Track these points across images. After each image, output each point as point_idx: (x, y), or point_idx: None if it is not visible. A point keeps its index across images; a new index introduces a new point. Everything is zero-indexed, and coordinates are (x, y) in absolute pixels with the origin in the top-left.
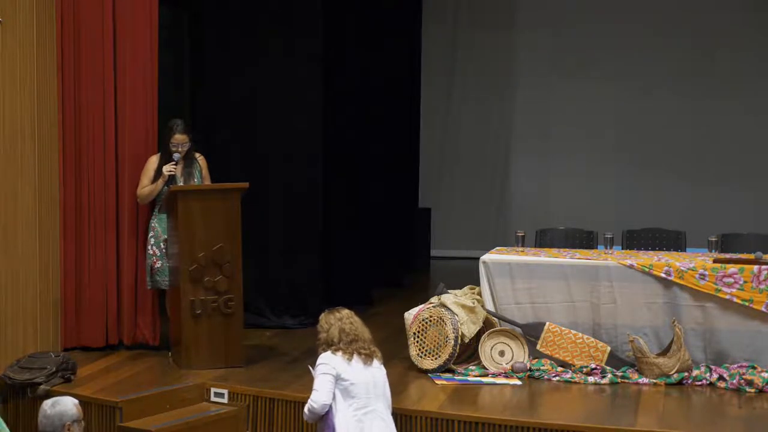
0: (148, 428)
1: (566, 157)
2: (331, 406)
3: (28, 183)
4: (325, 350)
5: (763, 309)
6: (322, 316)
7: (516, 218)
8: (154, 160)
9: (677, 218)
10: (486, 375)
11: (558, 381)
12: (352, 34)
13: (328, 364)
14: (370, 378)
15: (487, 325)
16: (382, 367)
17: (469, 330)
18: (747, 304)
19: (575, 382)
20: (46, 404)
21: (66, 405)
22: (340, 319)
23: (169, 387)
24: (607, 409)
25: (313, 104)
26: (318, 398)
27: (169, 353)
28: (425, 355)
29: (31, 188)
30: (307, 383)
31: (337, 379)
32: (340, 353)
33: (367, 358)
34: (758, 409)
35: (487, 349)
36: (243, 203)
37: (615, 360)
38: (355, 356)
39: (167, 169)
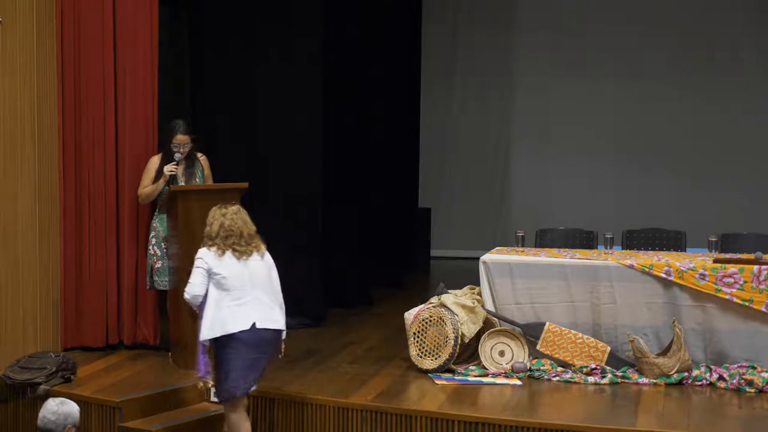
0: (148, 428)
1: (566, 157)
2: (205, 296)
3: (28, 183)
4: (205, 244)
5: (763, 309)
6: (211, 211)
7: (516, 218)
8: (155, 161)
9: (677, 218)
10: (486, 375)
11: (558, 381)
12: (352, 34)
13: (202, 259)
14: (245, 271)
15: (487, 325)
16: (266, 259)
17: (469, 330)
18: (747, 304)
19: (575, 382)
20: (53, 402)
21: (73, 407)
22: (224, 215)
23: (169, 387)
24: (607, 409)
25: (313, 104)
26: (189, 290)
27: (169, 353)
28: (425, 355)
29: (31, 188)
30: (307, 383)
31: (210, 272)
32: (214, 248)
33: (242, 254)
34: (758, 409)
35: (487, 349)
36: (243, 203)
37: (615, 360)
38: (229, 252)
39: (168, 169)
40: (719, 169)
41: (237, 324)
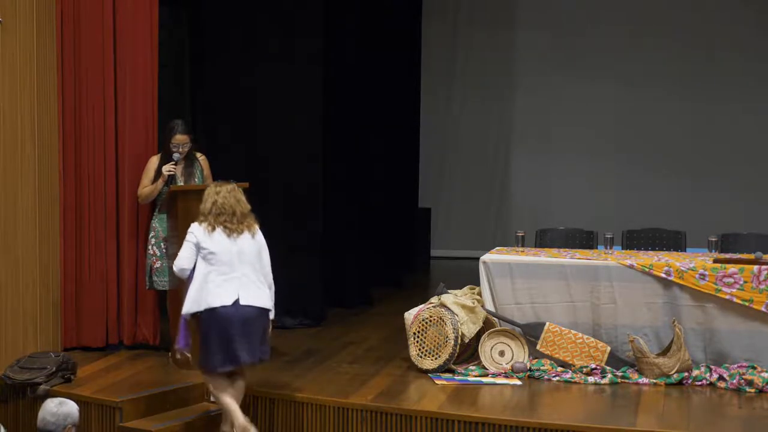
0: (148, 428)
1: (566, 157)
2: (193, 269)
3: (28, 183)
4: (197, 219)
5: (763, 309)
6: (207, 188)
7: (516, 218)
8: (154, 161)
9: (677, 218)
10: (486, 375)
11: (558, 381)
12: (352, 34)
13: (192, 233)
14: (234, 249)
15: (487, 325)
16: (257, 239)
17: (469, 330)
18: (747, 304)
19: (575, 382)
20: (52, 403)
21: (72, 407)
22: (218, 193)
23: (169, 387)
24: (607, 409)
25: (313, 104)
26: (177, 263)
27: (169, 353)
28: (425, 355)
29: (31, 188)
30: (307, 383)
31: (198, 247)
32: (205, 224)
33: (232, 231)
34: (758, 409)
35: (487, 349)
36: None
37: (615, 360)
38: (219, 228)
39: (167, 169)
40: (719, 169)
41: (221, 299)
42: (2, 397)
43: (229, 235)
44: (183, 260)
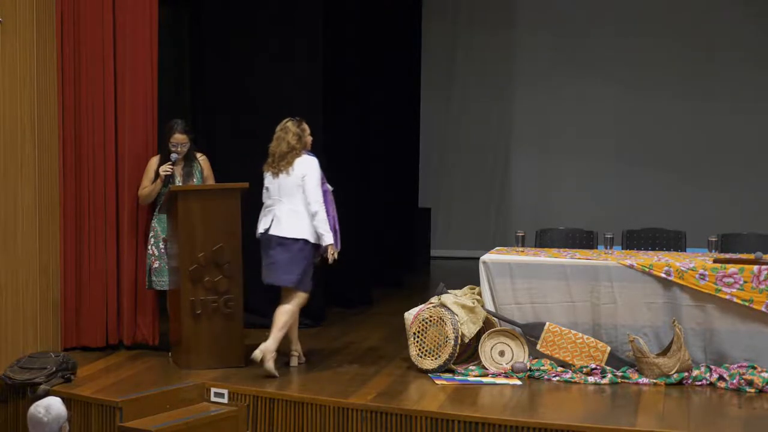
0: (148, 428)
1: (566, 157)
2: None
3: (28, 183)
4: None
5: (763, 309)
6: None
7: (516, 218)
8: (154, 161)
9: (677, 218)
10: (486, 375)
11: (558, 381)
12: (352, 34)
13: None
14: (275, 185)
15: (487, 325)
16: (293, 174)
17: (469, 330)
18: (747, 304)
19: (575, 382)
20: (38, 412)
21: (58, 408)
22: (274, 139)
23: (169, 387)
24: (607, 409)
25: (313, 104)
26: (263, 198)
27: (169, 353)
28: (425, 355)
29: (31, 188)
30: (306, 383)
31: (264, 185)
32: (266, 166)
33: (274, 171)
34: (758, 410)
35: (487, 349)
36: (243, 203)
37: (615, 360)
38: (270, 170)
39: (163, 169)
40: (719, 169)
41: (261, 227)
42: (2, 397)
43: (273, 174)
44: (263, 195)
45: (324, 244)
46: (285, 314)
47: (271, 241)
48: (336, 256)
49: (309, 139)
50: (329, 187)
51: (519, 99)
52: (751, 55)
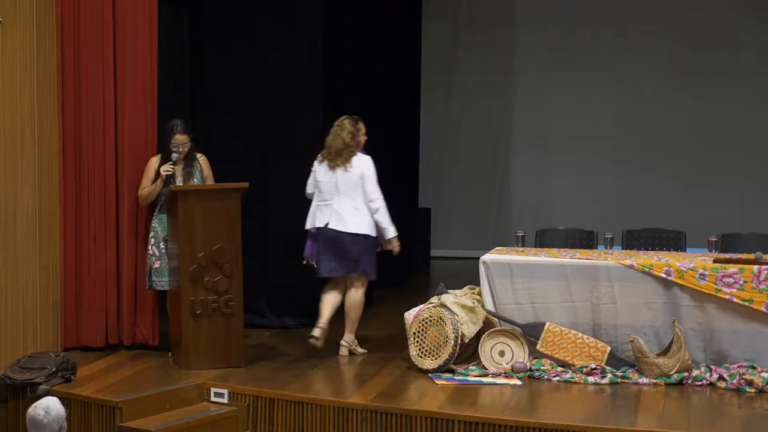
0: (148, 428)
1: (566, 157)
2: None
3: (28, 183)
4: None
5: (763, 309)
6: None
7: (516, 218)
8: (154, 161)
9: (677, 218)
10: (486, 375)
11: (558, 381)
12: (352, 34)
13: (313, 166)
14: (332, 180)
15: (487, 325)
16: (352, 171)
17: (469, 330)
18: (747, 304)
19: (575, 382)
20: (38, 414)
21: (58, 408)
22: (330, 132)
23: (169, 387)
24: (607, 409)
25: (313, 104)
26: (307, 189)
27: (169, 353)
28: (425, 355)
29: (31, 188)
30: (306, 383)
31: (314, 176)
32: (320, 157)
33: (331, 165)
34: (758, 409)
35: (487, 349)
36: (243, 203)
37: (615, 360)
38: (325, 162)
39: (164, 169)
40: (719, 169)
41: (319, 221)
42: (2, 397)
43: (330, 168)
44: (307, 187)
45: (387, 237)
46: (358, 307)
47: (334, 235)
48: (398, 247)
49: (363, 138)
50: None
51: (519, 99)
52: (751, 55)
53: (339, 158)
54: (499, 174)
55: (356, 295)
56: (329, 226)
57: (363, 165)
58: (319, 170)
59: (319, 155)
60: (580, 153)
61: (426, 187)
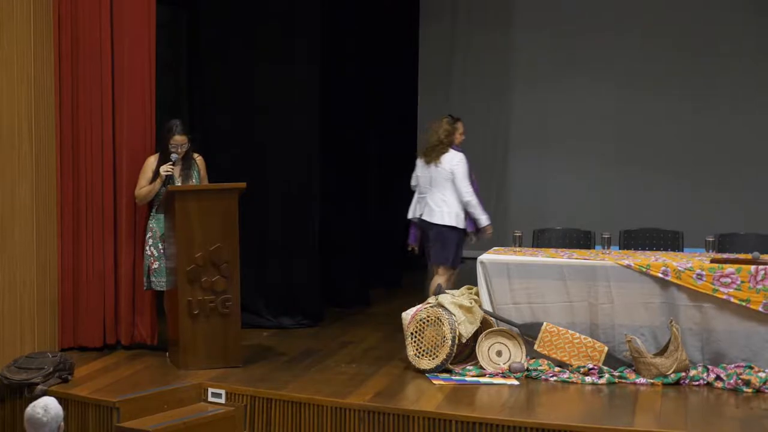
0: (145, 428)
1: (564, 157)
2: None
3: (26, 183)
4: None
5: (760, 309)
6: None
7: (513, 218)
8: (152, 161)
9: (675, 218)
10: (483, 375)
11: (555, 381)
12: (351, 35)
13: (416, 161)
14: (428, 175)
15: (484, 325)
16: (441, 167)
17: (467, 330)
18: (744, 304)
19: (572, 382)
20: (37, 413)
21: (56, 407)
22: (429, 129)
23: (166, 387)
24: (604, 409)
25: (312, 104)
26: (411, 182)
27: (167, 353)
28: (422, 355)
29: (28, 188)
30: (305, 383)
31: (415, 171)
32: (420, 152)
33: (426, 160)
34: (755, 409)
35: (485, 349)
36: (241, 203)
37: (612, 360)
38: (423, 157)
39: (164, 169)
40: (717, 169)
41: (415, 212)
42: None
43: (425, 163)
44: (412, 180)
45: (481, 225)
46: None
47: (427, 226)
48: (491, 233)
49: (460, 137)
50: (474, 179)
51: (517, 99)
52: (751, 55)
53: (433, 153)
54: (497, 174)
55: (438, 280)
56: (423, 218)
57: (454, 162)
58: (419, 165)
59: (419, 151)
60: (577, 153)
61: None
